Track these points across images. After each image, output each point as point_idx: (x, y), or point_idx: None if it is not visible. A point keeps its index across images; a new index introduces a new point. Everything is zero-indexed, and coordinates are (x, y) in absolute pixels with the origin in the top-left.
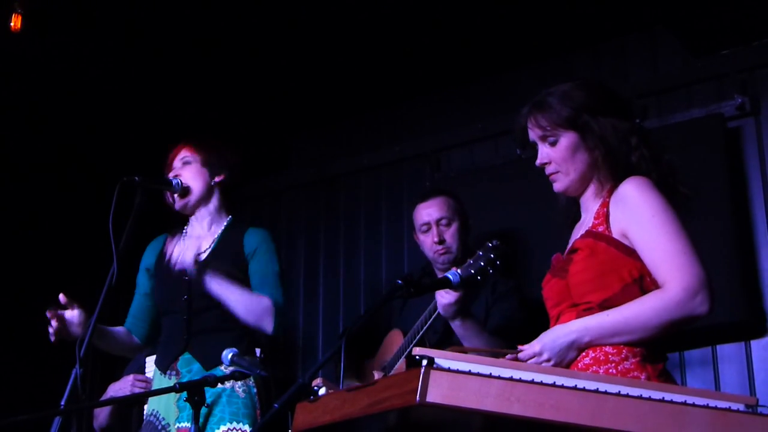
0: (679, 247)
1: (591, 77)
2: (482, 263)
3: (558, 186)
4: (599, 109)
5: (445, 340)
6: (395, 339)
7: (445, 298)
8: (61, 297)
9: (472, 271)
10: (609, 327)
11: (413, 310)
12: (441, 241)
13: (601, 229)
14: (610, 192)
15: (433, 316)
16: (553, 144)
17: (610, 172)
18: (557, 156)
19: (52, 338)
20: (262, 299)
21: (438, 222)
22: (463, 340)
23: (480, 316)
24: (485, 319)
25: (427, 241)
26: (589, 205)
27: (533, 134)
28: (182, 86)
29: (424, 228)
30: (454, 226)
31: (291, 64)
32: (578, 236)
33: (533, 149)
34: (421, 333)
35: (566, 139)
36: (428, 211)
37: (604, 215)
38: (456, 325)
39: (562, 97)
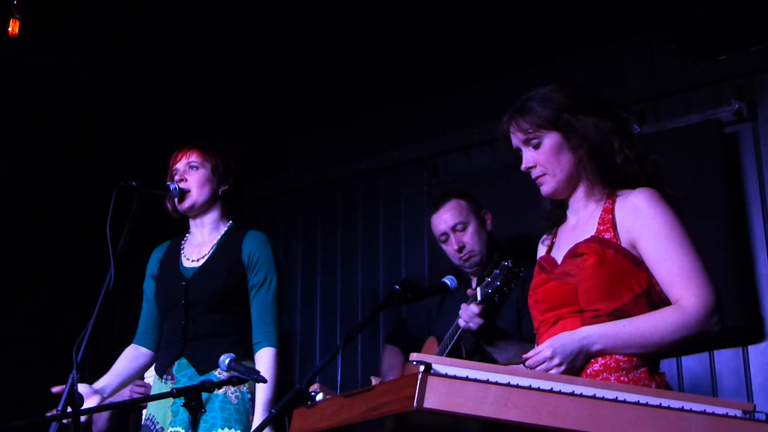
0: (696, 264)
1: (572, 81)
2: (498, 283)
3: (546, 188)
4: (579, 108)
5: (480, 344)
6: (431, 347)
7: (473, 322)
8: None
9: (489, 291)
10: (626, 338)
11: (447, 315)
12: (461, 248)
13: (608, 236)
14: (611, 197)
15: (458, 333)
16: (536, 147)
17: (598, 172)
18: (542, 158)
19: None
20: (268, 360)
21: (454, 229)
22: (494, 354)
23: (512, 317)
24: (518, 320)
25: (449, 250)
26: (580, 207)
27: (516, 140)
28: (180, 90)
29: (443, 238)
30: (471, 228)
31: (289, 68)
32: (578, 240)
33: (518, 156)
34: (448, 348)
35: (549, 140)
36: (442, 219)
37: (610, 222)
38: (485, 343)
39: (541, 99)
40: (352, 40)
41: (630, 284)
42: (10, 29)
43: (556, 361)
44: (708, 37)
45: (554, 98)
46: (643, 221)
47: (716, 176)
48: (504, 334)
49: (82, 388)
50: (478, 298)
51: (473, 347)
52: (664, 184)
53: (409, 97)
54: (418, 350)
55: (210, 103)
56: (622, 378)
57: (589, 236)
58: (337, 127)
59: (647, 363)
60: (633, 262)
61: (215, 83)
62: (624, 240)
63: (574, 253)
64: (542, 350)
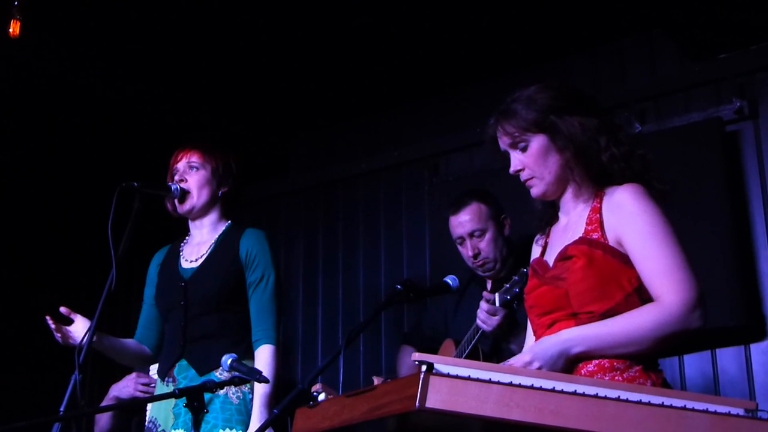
0: (678, 261)
1: (555, 79)
2: (517, 290)
3: (535, 191)
4: (565, 108)
5: (499, 346)
6: (448, 349)
7: (486, 324)
8: (63, 309)
9: (508, 297)
10: (606, 338)
11: (464, 317)
12: (476, 255)
13: (595, 236)
14: (599, 196)
15: (478, 335)
16: (523, 150)
17: (585, 172)
18: (529, 161)
19: (60, 341)
20: (267, 358)
21: (471, 235)
22: (516, 351)
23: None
24: None
25: (464, 253)
26: (570, 207)
27: (503, 143)
28: (181, 91)
29: (459, 241)
30: (488, 235)
31: (289, 68)
32: (568, 242)
33: (506, 158)
34: (467, 351)
35: (536, 143)
36: (460, 223)
37: (598, 221)
38: (504, 340)
39: (526, 101)
40: (353, 40)
41: (621, 283)
42: (10, 30)
43: (535, 365)
44: (708, 36)
45: (539, 100)
46: (626, 218)
47: (717, 175)
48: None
49: (79, 320)
50: (497, 304)
51: (491, 350)
52: (652, 179)
53: (409, 97)
54: (434, 351)
55: (211, 104)
56: (616, 377)
57: (577, 237)
58: (337, 128)
59: (642, 362)
60: (622, 260)
61: (216, 84)
62: (611, 238)
63: (563, 256)
64: (522, 355)
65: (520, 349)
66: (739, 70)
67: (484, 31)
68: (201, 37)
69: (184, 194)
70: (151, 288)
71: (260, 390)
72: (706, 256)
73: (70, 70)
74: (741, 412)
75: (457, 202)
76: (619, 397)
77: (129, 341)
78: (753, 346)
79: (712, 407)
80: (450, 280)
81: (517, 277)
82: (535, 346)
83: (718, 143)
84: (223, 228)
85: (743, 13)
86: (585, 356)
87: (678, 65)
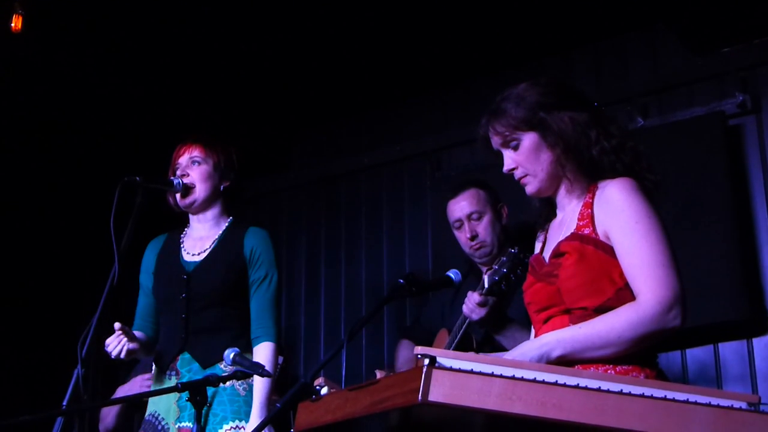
0: (659, 258)
1: (545, 76)
2: (505, 270)
3: (530, 189)
4: (554, 104)
5: (490, 335)
6: (442, 339)
7: (475, 312)
8: (117, 325)
9: (496, 278)
10: (582, 339)
11: (460, 308)
12: (473, 237)
13: (587, 231)
14: (591, 191)
15: (465, 323)
16: (515, 148)
17: (577, 167)
18: (522, 159)
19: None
20: (267, 355)
21: (469, 217)
22: (503, 342)
23: (520, 306)
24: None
25: (461, 238)
26: (565, 203)
27: (495, 143)
28: (183, 86)
29: (457, 224)
30: (486, 219)
31: (291, 63)
32: (561, 238)
33: (500, 158)
34: (457, 339)
35: (527, 141)
36: (458, 207)
37: (589, 216)
38: (492, 331)
39: (516, 100)
40: (355, 35)
41: (612, 278)
42: (12, 25)
43: None
44: (711, 30)
45: (528, 97)
46: (612, 213)
47: (720, 168)
48: (512, 322)
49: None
50: (485, 285)
51: (484, 338)
52: (643, 170)
53: (411, 91)
54: (431, 344)
55: (213, 99)
56: (609, 371)
57: (569, 233)
58: (339, 123)
59: (637, 356)
60: (613, 255)
61: (218, 79)
62: (601, 233)
63: (556, 252)
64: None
65: (507, 342)
66: (742, 64)
67: (487, 26)
68: (203, 32)
69: (186, 189)
70: (147, 277)
71: (260, 385)
72: (709, 250)
73: (71, 65)
74: (744, 405)
75: (456, 187)
76: (621, 390)
77: (138, 334)
78: (755, 340)
79: (714, 401)
80: (452, 274)
81: (504, 258)
82: (514, 351)
83: (721, 137)
84: (226, 224)
85: (746, 7)
86: (567, 359)
87: (681, 59)
